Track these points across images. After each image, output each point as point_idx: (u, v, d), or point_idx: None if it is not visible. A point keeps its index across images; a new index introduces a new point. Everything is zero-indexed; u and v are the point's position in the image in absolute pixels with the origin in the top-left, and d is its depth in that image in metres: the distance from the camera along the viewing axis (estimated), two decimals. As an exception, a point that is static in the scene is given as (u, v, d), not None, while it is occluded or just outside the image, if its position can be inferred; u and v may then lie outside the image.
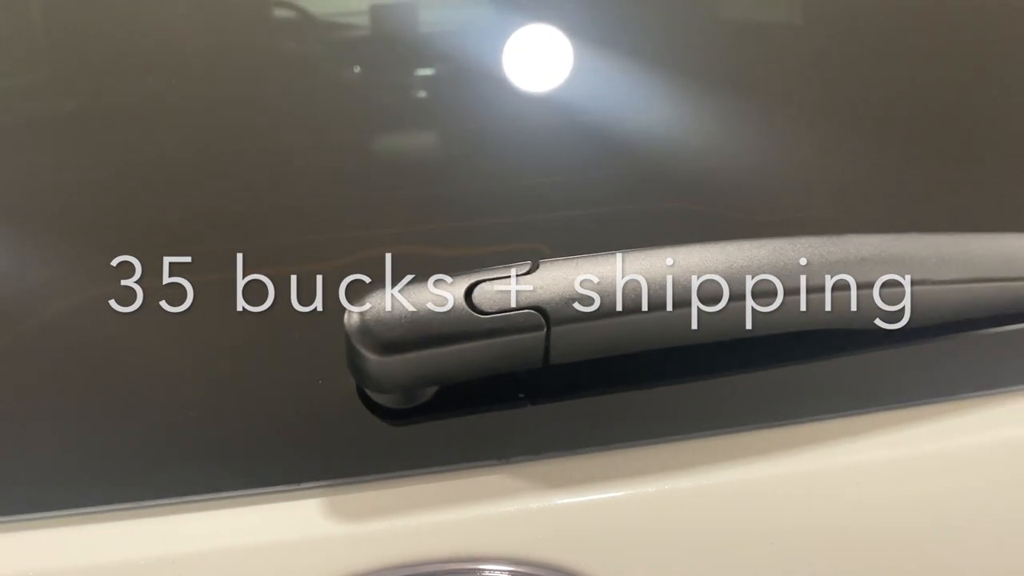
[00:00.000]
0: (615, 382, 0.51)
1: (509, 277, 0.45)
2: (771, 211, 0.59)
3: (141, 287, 0.50)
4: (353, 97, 0.62)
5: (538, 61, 0.62)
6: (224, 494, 0.46)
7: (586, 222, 0.57)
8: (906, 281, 0.48)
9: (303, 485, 0.47)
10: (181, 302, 0.49)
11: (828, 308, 0.47)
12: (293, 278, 0.50)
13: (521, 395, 0.50)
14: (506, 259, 0.47)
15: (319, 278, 0.50)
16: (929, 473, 0.50)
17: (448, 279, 0.45)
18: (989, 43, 0.70)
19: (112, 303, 0.50)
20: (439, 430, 0.49)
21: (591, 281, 0.45)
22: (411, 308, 0.44)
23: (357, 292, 0.45)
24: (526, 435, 0.49)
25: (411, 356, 0.44)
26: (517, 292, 0.45)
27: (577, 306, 0.45)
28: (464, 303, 0.44)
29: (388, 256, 0.50)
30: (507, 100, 0.62)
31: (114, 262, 0.50)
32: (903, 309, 0.50)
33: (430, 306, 0.44)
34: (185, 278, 0.50)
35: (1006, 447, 0.50)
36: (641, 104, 0.63)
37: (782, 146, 0.63)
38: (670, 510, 0.47)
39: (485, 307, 0.44)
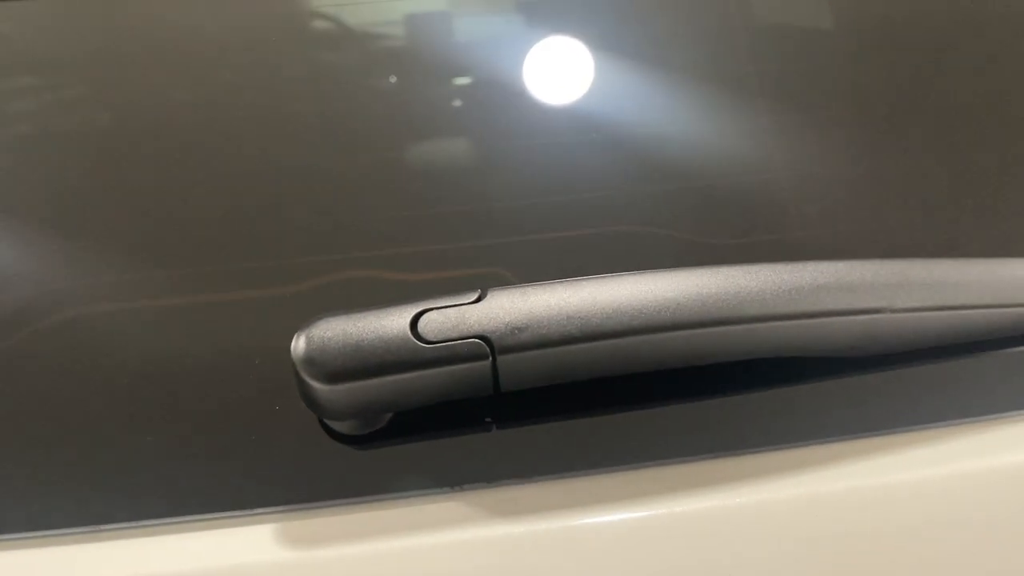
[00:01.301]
0: (576, 408, 0.50)
1: (456, 306, 0.45)
2: (735, 235, 0.58)
3: (94, 308, 0.50)
4: (307, 119, 0.63)
5: (501, 85, 0.62)
6: (179, 519, 0.47)
7: (548, 246, 0.57)
8: (870, 308, 0.48)
9: (258, 510, 0.47)
10: (136, 325, 0.50)
11: (780, 336, 0.47)
12: (249, 302, 0.51)
13: (486, 420, 0.50)
14: (461, 285, 0.47)
15: (281, 301, 0.51)
16: (897, 502, 0.48)
17: (395, 308, 0.45)
18: (972, 59, 0.68)
19: (63, 324, 0.51)
20: (394, 456, 0.49)
21: (537, 309, 0.45)
22: (356, 337, 0.44)
23: (306, 318, 0.46)
24: (480, 462, 0.49)
25: (356, 385, 0.44)
26: (462, 321, 0.45)
27: (522, 335, 0.45)
28: (409, 332, 0.44)
29: (342, 282, 0.50)
30: (470, 123, 0.63)
31: (70, 282, 0.51)
32: (866, 336, 0.49)
33: (375, 335, 0.44)
34: (141, 301, 0.50)
35: (985, 475, 0.49)
36: (602, 126, 0.62)
37: (742, 168, 0.62)
38: (624, 540, 0.46)
39: (430, 336, 0.45)
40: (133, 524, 0.46)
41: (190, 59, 0.65)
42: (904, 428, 0.49)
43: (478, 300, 0.46)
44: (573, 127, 0.63)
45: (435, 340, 0.44)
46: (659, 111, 0.64)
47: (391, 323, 0.45)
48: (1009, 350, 0.51)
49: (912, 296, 0.48)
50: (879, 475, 0.47)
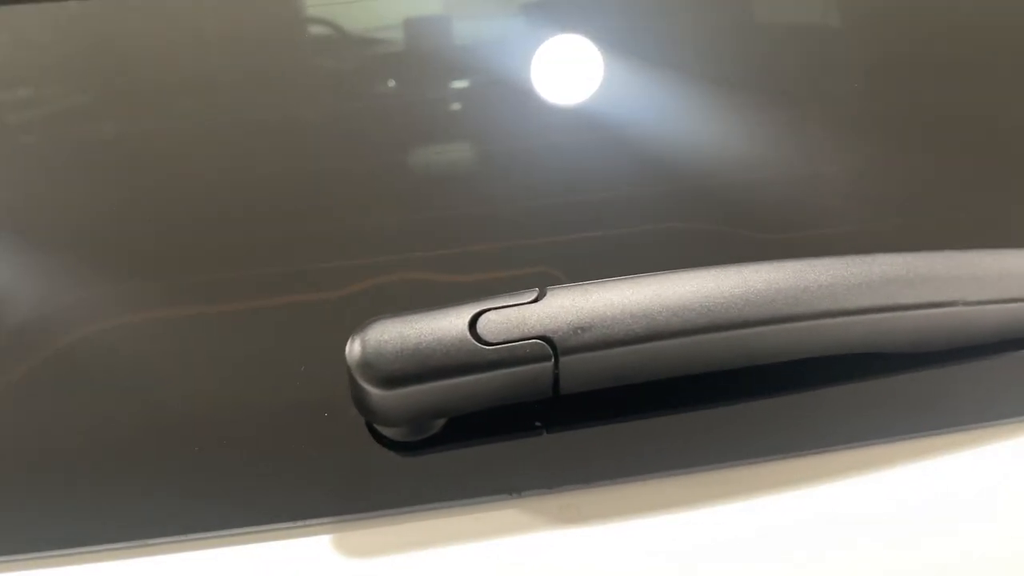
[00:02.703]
0: (633, 411, 0.49)
1: (515, 306, 0.44)
2: (783, 229, 0.57)
3: (140, 316, 0.49)
4: (353, 121, 0.62)
5: (538, 83, 0.61)
6: (232, 531, 0.45)
7: (596, 244, 0.55)
8: (939, 302, 0.46)
9: (311, 521, 0.46)
10: (183, 332, 0.49)
11: (851, 332, 0.45)
12: (298, 307, 0.50)
13: (538, 424, 0.49)
14: (514, 285, 0.46)
15: (324, 307, 0.49)
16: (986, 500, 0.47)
17: (452, 309, 0.44)
18: (989, 58, 0.67)
19: (112, 332, 0.50)
20: (449, 463, 0.48)
21: (599, 308, 0.44)
22: (414, 340, 0.43)
23: (360, 322, 0.44)
24: (539, 467, 0.47)
25: (414, 389, 0.43)
26: (523, 321, 0.43)
27: (585, 335, 0.43)
28: (468, 334, 0.43)
29: (393, 284, 0.49)
30: (510, 122, 0.61)
31: (114, 289, 0.50)
32: (939, 330, 0.48)
33: (433, 337, 0.43)
34: (185, 308, 0.49)
35: None
36: (646, 123, 0.61)
37: (792, 162, 0.61)
38: (689, 545, 0.45)
39: (490, 337, 0.43)
40: (184, 537, 0.45)
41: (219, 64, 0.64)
42: (978, 424, 0.48)
43: (537, 300, 0.44)
44: (609, 127, 0.62)
45: (496, 341, 0.43)
46: (701, 108, 0.63)
47: (449, 324, 0.43)
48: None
49: (986, 288, 0.46)
50: (960, 472, 0.46)
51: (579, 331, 0.43)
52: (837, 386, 0.49)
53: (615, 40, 0.64)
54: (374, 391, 0.42)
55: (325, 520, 0.46)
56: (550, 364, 0.43)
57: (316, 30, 0.68)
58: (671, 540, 0.45)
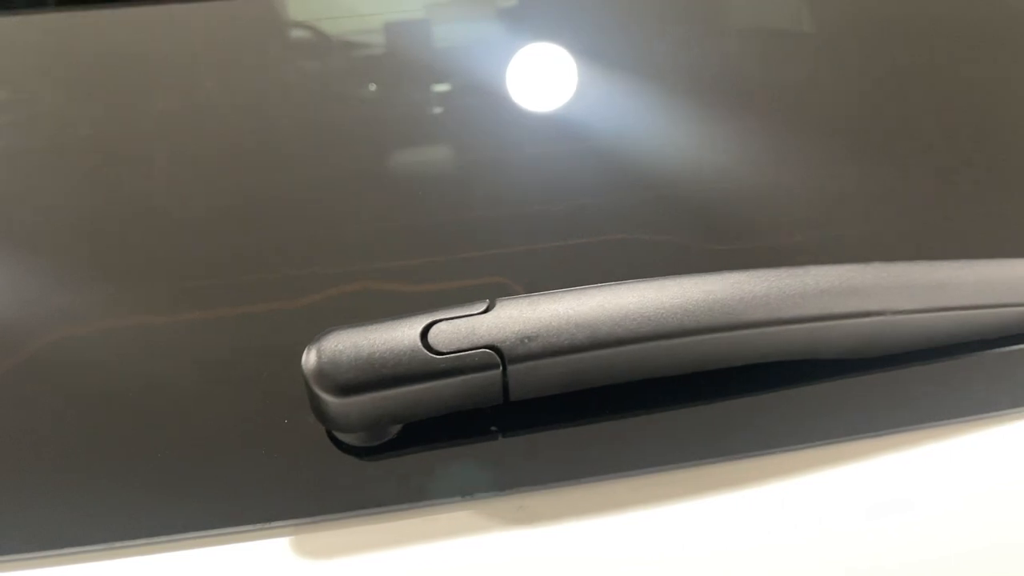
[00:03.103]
0: (583, 415, 0.51)
1: (465, 316, 0.46)
2: (731, 240, 0.59)
3: (101, 324, 0.50)
4: (310, 132, 0.63)
5: (493, 95, 0.63)
6: (192, 535, 0.47)
7: (550, 255, 0.57)
8: (869, 311, 0.49)
9: (270, 524, 0.47)
10: (143, 340, 0.50)
11: (784, 340, 0.48)
12: (259, 315, 0.51)
13: (492, 429, 0.50)
14: (468, 295, 0.48)
15: (284, 316, 0.51)
16: (900, 501, 0.49)
17: (405, 319, 0.46)
18: (952, 64, 0.69)
19: (71, 340, 0.51)
20: (404, 467, 0.49)
21: (546, 318, 0.46)
22: (367, 349, 0.44)
23: (316, 331, 0.46)
24: (492, 470, 0.49)
25: (368, 397, 0.44)
26: (472, 331, 0.45)
27: (532, 344, 0.45)
28: (420, 343, 0.45)
29: (350, 294, 0.50)
30: (465, 134, 0.63)
31: (74, 297, 0.51)
32: (867, 338, 0.50)
33: (386, 347, 0.45)
34: (146, 316, 0.50)
35: (983, 472, 0.50)
36: (600, 135, 0.63)
37: (741, 175, 0.63)
38: (636, 545, 0.47)
39: (441, 347, 0.45)
40: (139, 542, 0.46)
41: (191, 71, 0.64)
42: (905, 428, 0.50)
43: (487, 311, 0.46)
44: (567, 137, 0.64)
45: (446, 351, 0.45)
46: (653, 120, 0.65)
47: (402, 335, 0.45)
48: (1006, 349, 0.53)
49: (910, 298, 0.49)
50: (881, 475, 0.48)
51: (526, 340, 0.45)
52: (778, 391, 0.51)
53: (578, 51, 0.66)
54: (330, 399, 0.44)
55: (284, 523, 0.47)
56: (498, 372, 0.45)
57: (284, 33, 0.69)
58: (621, 541, 0.47)
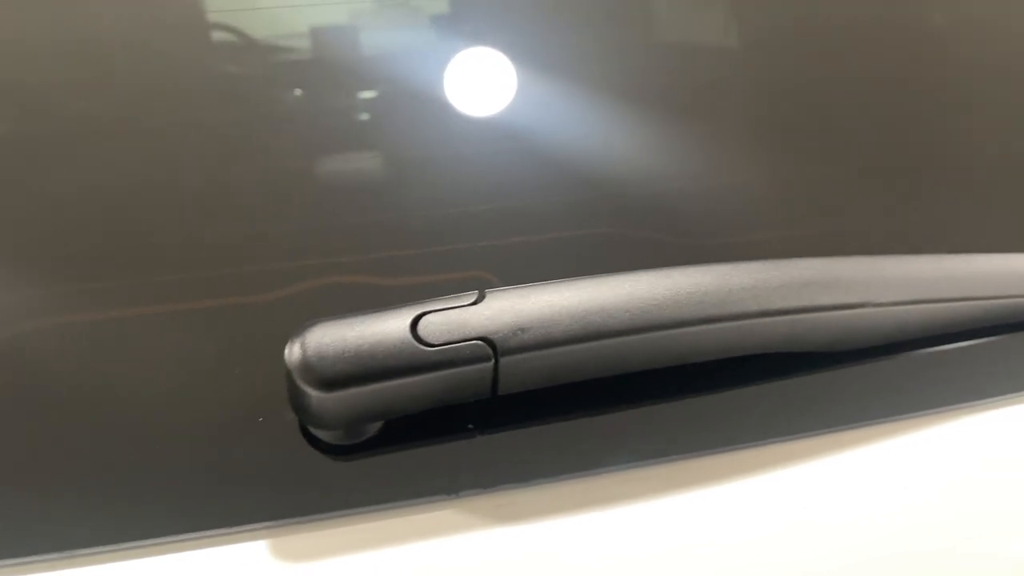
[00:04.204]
0: (568, 410, 0.50)
1: (456, 308, 0.45)
2: (706, 236, 0.60)
3: (76, 318, 0.48)
4: (293, 122, 0.61)
5: (476, 87, 0.62)
6: (164, 539, 0.44)
7: (529, 249, 0.57)
8: (850, 303, 0.49)
9: (244, 527, 0.45)
10: (116, 336, 0.47)
11: (774, 332, 0.48)
12: (232, 310, 0.49)
13: (471, 426, 0.49)
14: (454, 288, 0.46)
15: (260, 309, 0.49)
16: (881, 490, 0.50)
17: (393, 311, 0.44)
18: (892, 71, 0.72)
19: (42, 335, 0.48)
20: (385, 465, 0.48)
21: (538, 310, 0.45)
22: (355, 342, 0.43)
23: (296, 326, 0.44)
24: (475, 468, 0.48)
25: (355, 391, 0.43)
26: (464, 323, 0.44)
27: (525, 336, 0.44)
28: (410, 335, 0.43)
29: (331, 287, 0.49)
30: (450, 124, 0.62)
31: (46, 291, 0.48)
32: (847, 331, 0.51)
33: (375, 339, 0.43)
34: (119, 310, 0.48)
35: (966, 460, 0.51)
36: (585, 128, 0.63)
37: (722, 170, 0.64)
38: (626, 539, 0.46)
39: (431, 339, 0.43)
40: (108, 548, 0.43)
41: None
42: (888, 418, 0.51)
43: (477, 302, 0.45)
44: (545, 135, 0.63)
45: (437, 343, 0.43)
46: (637, 116, 0.65)
47: (391, 326, 0.43)
48: (986, 340, 0.54)
49: (892, 291, 0.50)
50: (866, 465, 0.49)
51: (519, 332, 0.44)
52: (764, 383, 0.51)
53: (548, 51, 0.65)
54: (315, 393, 0.42)
55: (261, 525, 0.45)
56: (490, 364, 0.44)
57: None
58: (608, 537, 0.46)
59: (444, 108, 0.62)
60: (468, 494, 0.47)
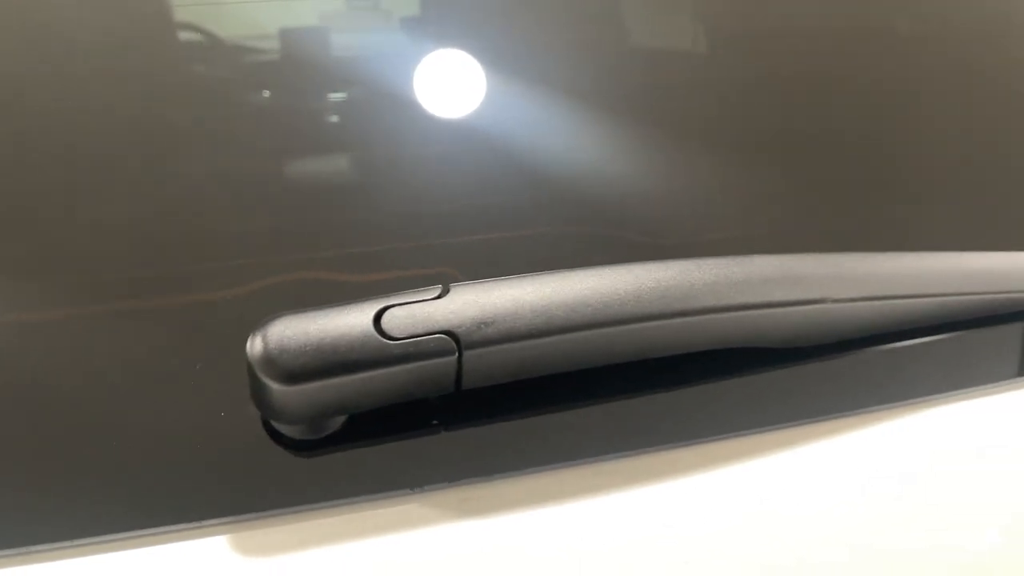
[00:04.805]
0: (530, 405, 0.50)
1: (419, 302, 0.45)
2: (667, 234, 0.60)
3: (36, 315, 0.47)
4: (258, 121, 0.61)
5: (444, 87, 0.62)
6: (124, 534, 0.44)
7: (492, 246, 0.57)
8: (809, 299, 0.50)
9: (205, 522, 0.44)
10: (76, 331, 0.47)
11: (734, 326, 0.48)
12: (194, 305, 0.48)
13: (435, 422, 0.49)
14: (416, 284, 0.46)
15: (222, 305, 0.48)
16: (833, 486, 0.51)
17: (356, 305, 0.44)
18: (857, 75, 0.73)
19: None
20: (348, 460, 0.48)
21: (502, 304, 0.45)
22: (317, 335, 0.42)
23: (261, 319, 0.44)
24: (437, 462, 0.48)
25: (318, 385, 0.42)
26: (428, 317, 0.44)
27: (488, 329, 0.44)
28: (373, 329, 0.43)
29: (297, 283, 0.48)
30: (414, 124, 0.62)
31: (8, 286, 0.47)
32: (806, 326, 0.52)
33: (338, 333, 0.43)
34: (80, 306, 0.47)
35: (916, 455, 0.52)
36: (548, 129, 0.63)
37: (687, 170, 0.64)
38: (585, 534, 0.47)
39: (395, 333, 0.43)
40: (72, 543, 0.43)
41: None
42: (845, 413, 0.52)
43: (441, 296, 0.45)
44: (509, 135, 0.63)
45: (400, 336, 0.43)
46: (605, 116, 0.65)
47: (354, 320, 0.43)
48: (942, 336, 0.56)
49: (850, 287, 0.51)
50: (824, 459, 0.50)
51: (483, 326, 0.44)
52: (725, 378, 0.52)
53: (518, 52, 0.66)
54: (276, 387, 0.42)
55: (222, 520, 0.45)
56: (454, 359, 0.44)
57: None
58: (571, 531, 0.46)
59: (410, 108, 0.62)
60: (431, 488, 0.47)
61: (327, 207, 0.57)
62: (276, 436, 0.47)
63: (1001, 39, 0.80)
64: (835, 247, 0.56)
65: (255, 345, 0.42)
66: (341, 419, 0.48)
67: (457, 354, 0.44)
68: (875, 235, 0.64)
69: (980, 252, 0.56)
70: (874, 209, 0.66)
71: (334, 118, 0.62)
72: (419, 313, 0.44)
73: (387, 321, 0.44)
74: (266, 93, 0.63)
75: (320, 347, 0.42)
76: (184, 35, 0.66)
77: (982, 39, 0.79)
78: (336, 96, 0.64)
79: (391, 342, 0.43)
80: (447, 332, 0.44)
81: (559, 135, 0.63)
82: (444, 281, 0.47)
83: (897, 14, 0.79)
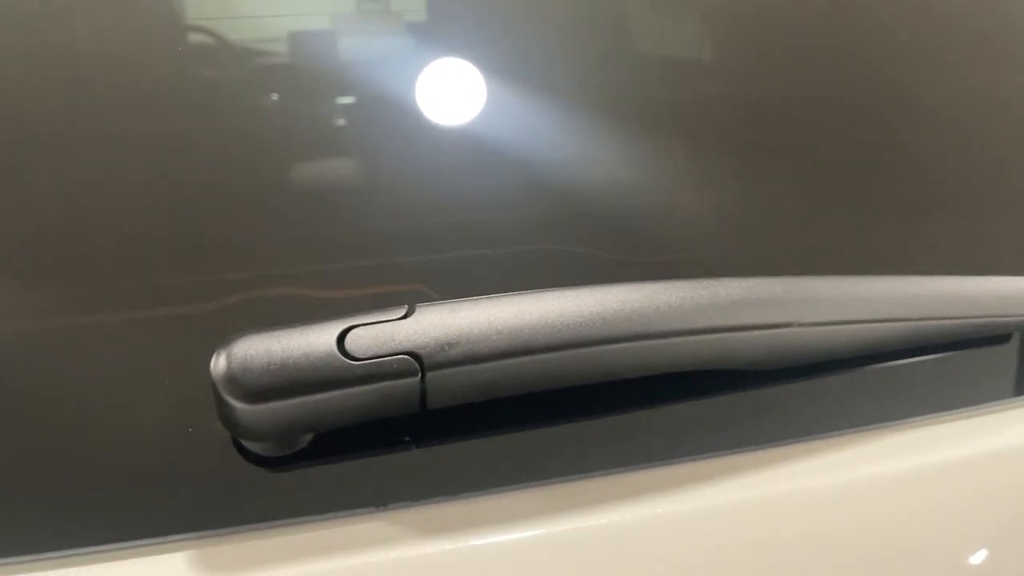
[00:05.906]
0: (498, 424, 0.50)
1: (383, 322, 0.45)
2: (642, 253, 0.60)
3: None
4: (228, 135, 0.61)
5: (415, 104, 0.62)
6: (91, 549, 0.44)
7: (467, 264, 0.57)
8: (775, 323, 0.50)
9: (172, 537, 0.45)
10: (43, 345, 0.47)
11: (699, 349, 0.48)
12: (163, 320, 0.49)
13: (407, 439, 0.50)
14: (384, 302, 0.47)
15: (190, 321, 0.49)
16: (803, 510, 0.51)
17: (320, 324, 0.44)
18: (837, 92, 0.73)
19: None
20: (316, 477, 0.48)
21: (466, 325, 0.45)
22: (280, 355, 0.43)
23: (226, 336, 0.44)
24: (406, 480, 0.48)
25: (280, 404, 0.43)
26: (391, 337, 0.44)
27: (452, 351, 0.45)
28: (336, 349, 0.43)
29: (260, 299, 0.49)
30: (393, 140, 0.62)
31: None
32: (773, 350, 0.52)
33: (300, 352, 0.43)
34: (47, 320, 0.48)
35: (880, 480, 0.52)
36: (524, 147, 0.63)
37: (653, 192, 0.64)
38: (549, 554, 0.47)
39: (357, 353, 0.44)
40: (36, 557, 0.43)
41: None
42: (807, 437, 0.52)
43: (406, 316, 0.45)
44: (485, 149, 0.63)
45: (363, 357, 0.44)
46: (577, 133, 0.65)
47: (317, 340, 0.43)
48: (910, 360, 0.56)
49: (818, 311, 0.51)
50: (787, 483, 0.50)
51: (446, 347, 0.44)
52: (688, 401, 0.52)
53: (491, 65, 0.66)
54: (239, 406, 0.42)
55: (189, 536, 0.45)
56: (417, 379, 0.44)
57: (197, 39, 0.67)
58: (536, 550, 0.47)
59: (387, 123, 0.62)
60: (397, 507, 0.47)
61: (302, 222, 0.57)
62: (244, 452, 0.48)
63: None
64: (818, 268, 0.56)
65: (219, 364, 0.43)
66: (308, 436, 0.48)
67: (420, 375, 0.44)
68: (858, 255, 0.64)
69: (949, 276, 0.56)
70: (861, 228, 0.66)
71: (308, 132, 0.62)
72: (383, 334, 0.44)
73: (351, 341, 0.44)
74: (234, 106, 0.63)
75: (283, 367, 0.43)
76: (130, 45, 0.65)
77: (981, 44, 0.79)
78: (309, 110, 0.64)
79: (354, 362, 0.43)
80: (410, 353, 0.44)
81: (538, 152, 0.63)
82: (415, 300, 0.47)
83: (897, 22, 0.78)
